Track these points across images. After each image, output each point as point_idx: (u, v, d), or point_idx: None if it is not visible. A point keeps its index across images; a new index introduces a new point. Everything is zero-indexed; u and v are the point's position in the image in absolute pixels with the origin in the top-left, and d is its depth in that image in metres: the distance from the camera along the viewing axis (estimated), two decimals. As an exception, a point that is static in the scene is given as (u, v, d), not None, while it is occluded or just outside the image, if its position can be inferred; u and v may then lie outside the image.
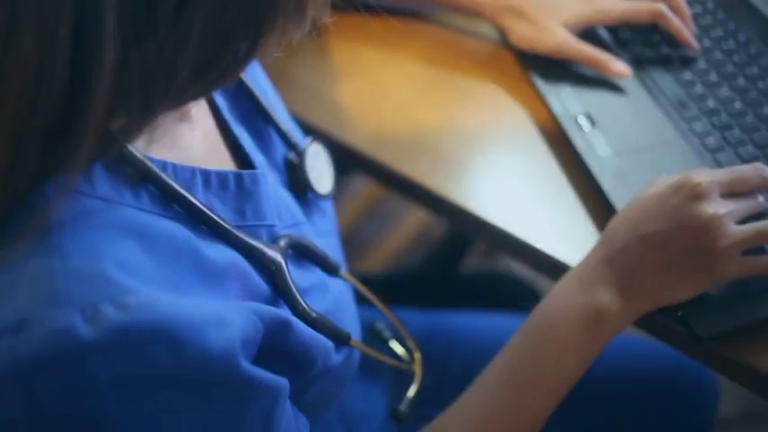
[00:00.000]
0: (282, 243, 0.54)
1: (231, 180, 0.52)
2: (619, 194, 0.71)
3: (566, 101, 0.81)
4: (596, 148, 0.76)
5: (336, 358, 0.56)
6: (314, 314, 0.53)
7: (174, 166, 0.49)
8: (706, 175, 0.61)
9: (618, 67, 0.81)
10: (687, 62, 0.83)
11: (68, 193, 0.42)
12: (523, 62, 0.86)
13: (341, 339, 0.56)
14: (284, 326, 0.49)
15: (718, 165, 0.73)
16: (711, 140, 0.75)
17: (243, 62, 0.45)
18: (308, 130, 0.78)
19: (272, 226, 0.55)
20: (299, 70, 0.88)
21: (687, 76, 0.81)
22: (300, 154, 0.64)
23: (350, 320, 0.61)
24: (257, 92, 0.64)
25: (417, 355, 0.73)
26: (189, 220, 0.47)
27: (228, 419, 0.44)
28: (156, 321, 0.40)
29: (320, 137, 0.70)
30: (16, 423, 0.39)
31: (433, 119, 0.83)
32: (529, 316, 0.65)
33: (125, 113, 0.42)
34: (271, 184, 0.57)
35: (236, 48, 0.43)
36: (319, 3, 0.46)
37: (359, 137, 0.82)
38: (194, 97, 0.47)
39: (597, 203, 0.73)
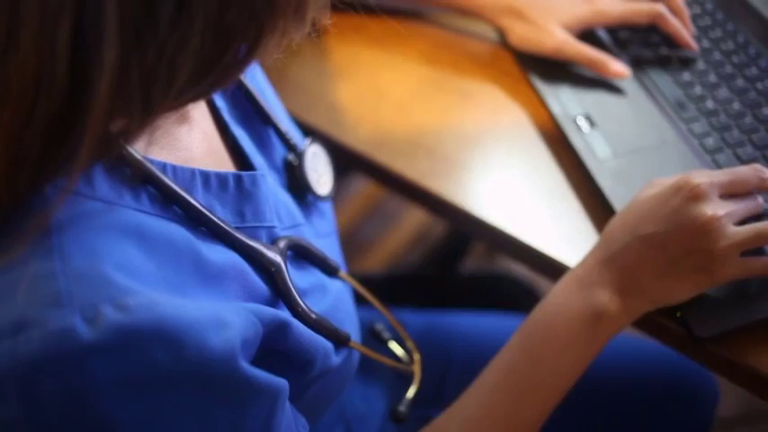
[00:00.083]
0: (282, 244, 0.54)
1: (231, 181, 0.52)
2: (618, 195, 0.71)
3: (565, 102, 0.81)
4: (595, 149, 0.76)
5: (336, 359, 0.56)
6: (313, 315, 0.54)
7: (174, 168, 0.49)
8: (705, 177, 0.61)
9: (617, 67, 0.81)
10: (686, 63, 0.83)
11: (68, 194, 0.42)
12: (523, 63, 0.86)
13: (340, 340, 0.56)
14: (284, 327, 0.49)
15: (717, 166, 0.73)
16: (710, 141, 0.75)
17: (243, 64, 0.45)
18: (308, 131, 0.78)
19: (271, 227, 0.55)
20: (298, 71, 0.88)
21: (686, 76, 0.81)
22: (300, 155, 0.64)
23: (349, 321, 0.61)
24: (257, 93, 0.64)
25: (417, 356, 0.73)
26: (189, 222, 0.47)
27: (228, 420, 0.44)
28: (155, 322, 0.40)
29: (319, 138, 0.70)
30: (16, 424, 0.39)
31: (433, 120, 0.83)
32: (528, 316, 0.65)
33: (125, 115, 0.42)
34: (270, 186, 0.57)
35: (236, 49, 0.43)
36: (319, 4, 0.46)
37: (358, 138, 0.82)
38: (194, 99, 0.47)
39: (596, 204, 0.73)
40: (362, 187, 1.64)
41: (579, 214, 0.74)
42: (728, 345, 0.63)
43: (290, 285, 0.52)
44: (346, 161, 0.81)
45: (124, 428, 0.40)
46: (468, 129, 0.82)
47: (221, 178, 0.52)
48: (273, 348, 0.49)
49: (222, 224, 0.49)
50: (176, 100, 0.44)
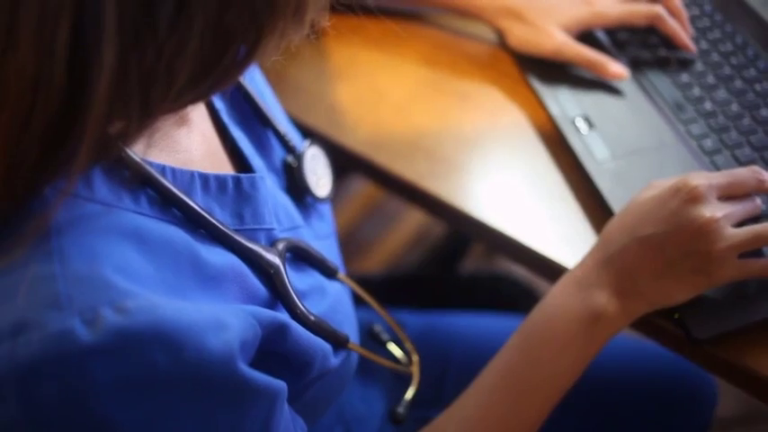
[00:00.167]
0: (281, 246, 0.54)
1: (230, 184, 0.52)
2: (616, 196, 0.72)
3: (563, 103, 0.81)
4: (594, 151, 0.76)
5: (334, 361, 0.56)
6: (312, 317, 0.54)
7: (173, 170, 0.49)
8: (703, 178, 0.61)
9: (615, 69, 0.81)
10: (684, 64, 0.83)
11: (67, 196, 0.42)
12: (521, 64, 0.86)
13: (339, 342, 0.56)
14: (282, 329, 0.49)
15: (716, 167, 0.73)
16: (708, 143, 0.75)
17: (242, 65, 0.45)
18: (307, 132, 0.78)
19: (270, 229, 0.55)
20: (297, 73, 0.88)
21: (684, 78, 0.81)
22: (299, 157, 0.64)
23: (348, 323, 0.61)
24: (256, 95, 0.64)
25: (415, 358, 0.73)
26: (187, 224, 0.47)
27: (227, 422, 0.44)
28: (154, 325, 0.40)
29: (319, 139, 0.71)
30: (16, 426, 0.39)
31: (431, 121, 0.83)
32: (526, 317, 0.65)
33: (124, 117, 0.42)
34: (269, 188, 0.57)
35: (235, 51, 0.43)
36: (318, 5, 0.46)
37: (357, 139, 0.82)
38: (193, 101, 0.47)
39: (594, 205, 0.73)
40: (361, 188, 1.64)
41: (578, 215, 0.74)
42: (726, 346, 0.63)
43: (289, 287, 0.52)
44: (345, 162, 0.81)
45: (123, 430, 0.40)
46: (467, 130, 0.82)
47: (220, 180, 0.52)
48: (272, 350, 0.49)
49: (221, 226, 0.49)
50: (175, 102, 0.44)
